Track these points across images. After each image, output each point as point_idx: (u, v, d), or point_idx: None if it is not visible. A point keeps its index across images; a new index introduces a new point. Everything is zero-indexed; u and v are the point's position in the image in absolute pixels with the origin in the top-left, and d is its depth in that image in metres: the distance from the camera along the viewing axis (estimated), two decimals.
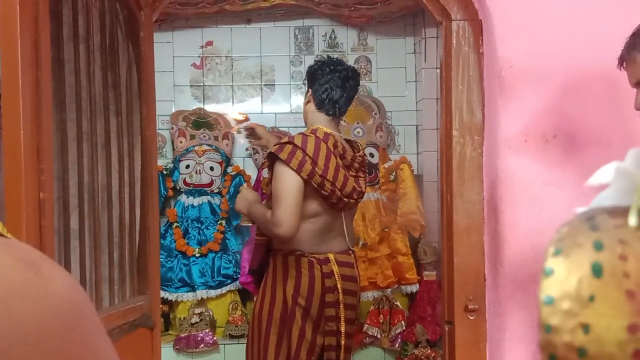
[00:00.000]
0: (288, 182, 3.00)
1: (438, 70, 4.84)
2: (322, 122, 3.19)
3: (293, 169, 2.97)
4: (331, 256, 3.15)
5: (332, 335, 3.13)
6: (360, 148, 3.38)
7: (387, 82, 5.29)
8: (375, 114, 5.09)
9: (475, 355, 2.37)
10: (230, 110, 5.22)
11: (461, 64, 2.37)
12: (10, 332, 0.43)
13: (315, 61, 3.31)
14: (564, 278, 0.50)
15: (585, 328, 0.49)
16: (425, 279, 4.82)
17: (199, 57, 5.26)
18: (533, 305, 2.30)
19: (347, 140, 3.36)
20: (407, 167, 4.91)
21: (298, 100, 5.25)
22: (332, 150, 3.09)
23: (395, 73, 5.29)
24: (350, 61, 5.28)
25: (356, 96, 5.04)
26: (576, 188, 2.29)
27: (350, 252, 3.27)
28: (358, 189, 3.19)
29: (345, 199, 3.12)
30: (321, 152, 3.05)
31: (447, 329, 2.45)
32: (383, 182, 4.96)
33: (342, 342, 3.13)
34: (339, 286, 3.13)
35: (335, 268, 3.14)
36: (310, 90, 3.24)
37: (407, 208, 4.79)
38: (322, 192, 3.04)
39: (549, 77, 2.29)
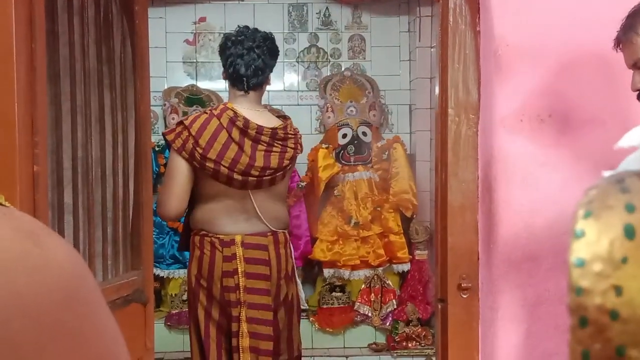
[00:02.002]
0: (171, 163, 2.98)
1: (432, 49, 4.86)
2: (235, 98, 3.06)
3: (175, 150, 2.94)
4: (238, 238, 2.99)
5: (234, 321, 2.97)
6: (288, 122, 3.16)
7: (381, 61, 5.27)
8: (369, 92, 5.08)
9: (468, 334, 2.38)
10: (223, 87, 5.20)
11: (457, 42, 2.36)
12: (9, 304, 0.43)
13: (223, 34, 3.17)
14: (595, 240, 0.50)
15: (618, 290, 0.48)
16: (416, 258, 4.84)
17: (191, 33, 5.22)
18: (526, 285, 2.31)
19: (281, 116, 3.22)
20: (400, 146, 4.91)
21: (291, 78, 5.23)
22: (226, 125, 2.95)
23: (389, 52, 5.27)
24: (344, 39, 5.27)
25: (350, 74, 5.09)
26: (570, 168, 2.29)
27: (269, 233, 3.06)
28: (263, 164, 2.98)
29: (238, 177, 2.95)
30: (207, 130, 2.94)
31: (439, 307, 2.45)
32: (376, 161, 4.95)
33: (244, 328, 2.96)
34: (240, 270, 2.96)
35: (239, 251, 2.98)
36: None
37: (400, 187, 4.79)
38: (205, 171, 2.93)
39: (545, 56, 2.29)
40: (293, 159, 3.12)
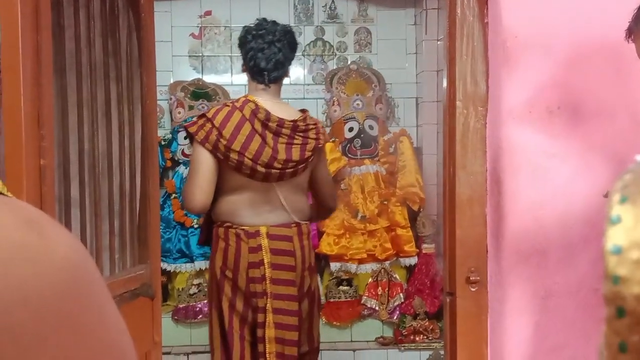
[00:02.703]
0: (195, 156, 2.98)
1: (439, 42, 4.84)
2: (255, 91, 3.07)
3: (199, 142, 2.94)
4: (263, 229, 3.00)
5: (260, 312, 2.98)
6: (307, 114, 3.16)
7: (387, 54, 5.25)
8: (375, 86, 5.06)
9: (476, 327, 2.36)
10: (229, 81, 5.19)
11: (466, 34, 2.34)
12: (10, 295, 0.42)
13: (243, 27, 3.16)
14: (632, 226, 0.48)
15: None
16: (424, 251, 4.83)
17: (197, 27, 5.21)
18: (535, 277, 2.30)
19: (301, 110, 3.19)
20: (407, 140, 4.89)
21: (297, 71, 5.21)
22: (249, 117, 2.97)
23: (395, 45, 5.25)
24: (351, 32, 5.24)
25: (356, 68, 5.07)
26: (580, 160, 2.28)
27: (293, 225, 3.07)
28: (285, 157, 2.99)
29: (262, 169, 2.96)
30: (231, 122, 2.95)
31: (448, 300, 2.44)
32: (382, 154, 4.94)
33: (270, 319, 2.97)
34: (265, 261, 2.98)
35: (264, 242, 2.99)
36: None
37: (407, 181, 4.78)
38: (229, 163, 2.94)
39: (554, 48, 2.27)
40: (315, 150, 3.10)
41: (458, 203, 2.36)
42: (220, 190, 3.02)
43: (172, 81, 5.11)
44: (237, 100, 3.06)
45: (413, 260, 4.85)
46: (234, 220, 3.02)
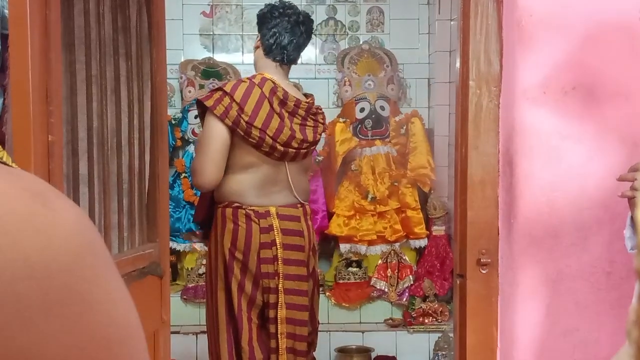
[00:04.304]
0: (210, 129, 2.94)
1: (452, 22, 4.80)
2: (268, 69, 3.07)
3: (217, 116, 2.91)
4: (272, 209, 3.01)
5: (271, 292, 2.99)
6: (314, 101, 3.20)
7: (400, 34, 5.20)
8: (387, 66, 5.02)
9: (487, 309, 2.35)
10: (240, 60, 5.16)
11: (480, 13, 2.31)
12: (16, 266, 0.42)
13: (265, 4, 3.16)
14: None
15: None
16: (434, 233, 4.81)
17: (208, 5, 5.18)
18: (547, 260, 2.28)
19: (304, 94, 3.24)
20: (418, 121, 4.86)
21: (309, 51, 5.15)
22: (268, 95, 2.97)
23: (408, 25, 5.20)
24: (363, 12, 5.20)
25: (368, 48, 5.04)
26: (594, 141, 2.25)
27: (299, 205, 3.10)
28: (302, 137, 3.02)
29: (281, 148, 2.97)
30: (251, 98, 2.94)
31: (458, 282, 2.43)
32: (393, 135, 4.91)
33: (281, 300, 2.99)
34: (277, 241, 2.98)
35: (275, 222, 3.00)
36: (259, 35, 3.12)
37: (418, 162, 4.76)
38: (250, 139, 2.93)
39: (570, 27, 2.23)
40: (321, 134, 3.18)
41: (470, 184, 2.34)
42: (228, 169, 3.00)
43: (182, 60, 5.09)
44: (254, 77, 3.04)
45: (423, 242, 4.84)
46: (242, 200, 3.00)
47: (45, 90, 1.66)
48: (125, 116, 2.27)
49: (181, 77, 5.00)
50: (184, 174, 4.83)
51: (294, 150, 3.02)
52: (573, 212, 2.25)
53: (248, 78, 3.05)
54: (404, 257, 4.82)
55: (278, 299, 2.99)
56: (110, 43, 2.16)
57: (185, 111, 4.91)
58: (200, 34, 5.19)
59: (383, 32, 5.24)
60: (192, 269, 4.79)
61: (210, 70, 5.00)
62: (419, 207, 4.82)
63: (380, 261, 4.81)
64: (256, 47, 3.14)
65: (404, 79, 5.19)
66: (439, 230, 4.81)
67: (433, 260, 4.78)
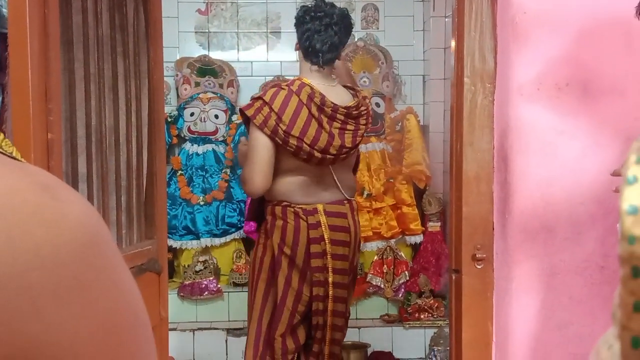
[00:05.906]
0: (254, 139, 3.02)
1: (447, 19, 4.81)
2: (306, 72, 3.13)
3: (257, 126, 2.97)
4: (320, 207, 3.12)
5: (320, 285, 3.12)
6: (359, 97, 3.24)
7: (395, 31, 5.21)
8: (382, 63, 5.03)
9: (482, 304, 2.37)
10: (235, 57, 5.17)
11: (474, 10, 2.33)
12: (27, 257, 0.43)
13: (300, 6, 3.21)
14: None
15: None
16: (429, 229, 4.83)
17: (204, 2, 5.18)
18: (542, 255, 2.29)
19: (351, 89, 3.26)
20: (414, 118, 4.88)
21: None
22: (306, 102, 3.02)
23: (403, 22, 5.22)
24: (358, 9, 5.21)
25: (363, 45, 5.05)
26: (588, 137, 2.26)
27: (346, 202, 3.21)
28: (340, 142, 3.08)
29: (318, 155, 3.04)
30: (289, 107, 2.99)
31: (454, 277, 2.44)
32: (389, 132, 4.93)
33: (330, 292, 3.12)
34: (325, 237, 3.10)
35: (322, 219, 3.11)
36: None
37: (413, 159, 4.77)
38: (288, 148, 3.00)
39: (564, 24, 2.25)
40: (363, 135, 3.24)
41: (465, 180, 2.36)
42: (275, 171, 3.07)
43: (178, 57, 5.09)
44: (292, 84, 3.08)
45: (419, 239, 4.85)
46: (290, 199, 3.11)
47: (44, 88, 1.68)
48: (123, 114, 2.29)
49: (177, 75, 5.01)
50: (180, 172, 4.84)
51: (332, 157, 3.08)
52: (567, 207, 2.27)
53: (287, 84, 3.10)
54: (399, 253, 4.83)
55: (327, 291, 3.12)
56: (108, 41, 2.17)
57: (181, 109, 4.92)
58: (195, 32, 5.19)
59: (378, 29, 5.24)
60: (188, 266, 4.80)
61: (206, 68, 5.00)
62: (415, 203, 4.83)
63: (376, 257, 4.82)
64: (296, 50, 3.20)
65: (399, 76, 5.20)
66: (434, 226, 4.83)
67: (428, 256, 4.80)
